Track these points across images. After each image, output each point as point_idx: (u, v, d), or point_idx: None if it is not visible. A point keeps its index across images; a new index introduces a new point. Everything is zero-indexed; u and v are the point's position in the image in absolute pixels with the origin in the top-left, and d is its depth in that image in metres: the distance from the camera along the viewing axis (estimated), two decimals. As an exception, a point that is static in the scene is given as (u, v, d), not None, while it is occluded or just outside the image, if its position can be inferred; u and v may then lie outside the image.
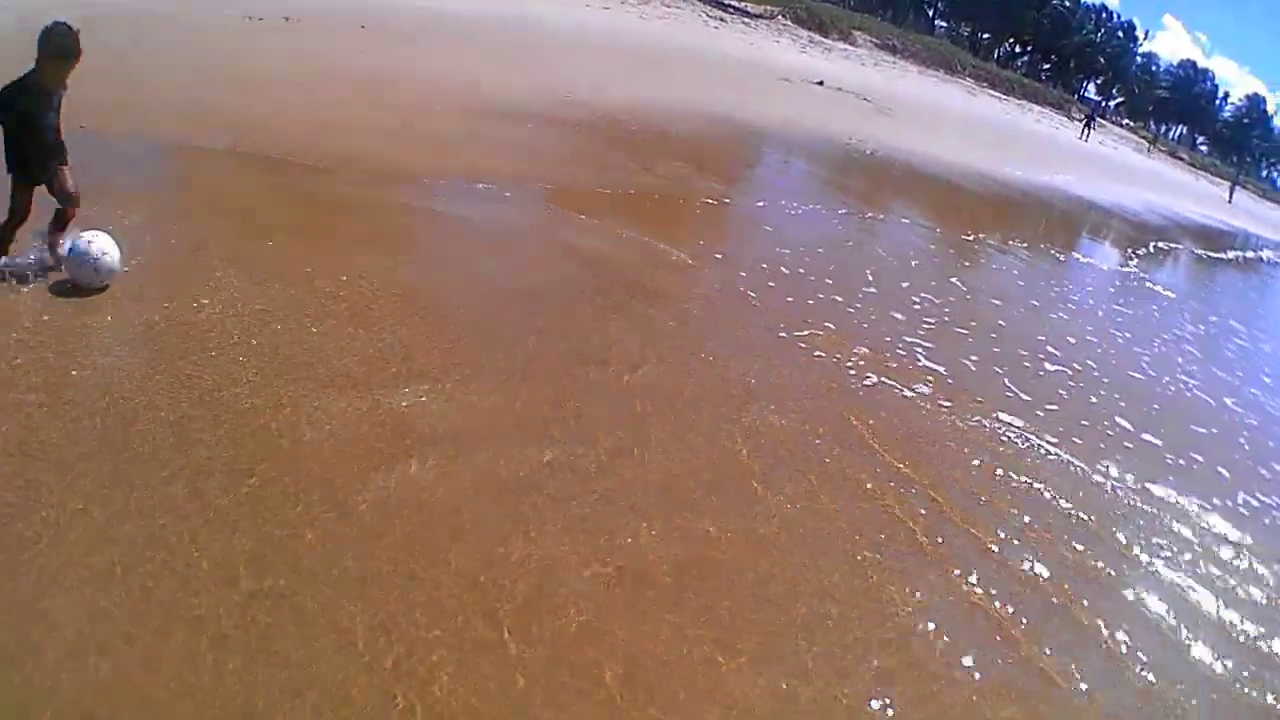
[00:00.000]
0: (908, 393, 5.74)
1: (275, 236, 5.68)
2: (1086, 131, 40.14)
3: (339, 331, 4.58)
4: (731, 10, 32.10)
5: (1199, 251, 23.71)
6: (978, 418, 5.68)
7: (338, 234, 6.00)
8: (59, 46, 4.46)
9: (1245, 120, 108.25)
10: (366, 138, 8.56)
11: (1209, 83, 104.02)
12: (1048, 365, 7.38)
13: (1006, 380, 6.64)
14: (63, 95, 4.70)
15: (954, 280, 9.57)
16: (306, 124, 8.52)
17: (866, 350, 6.28)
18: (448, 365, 4.49)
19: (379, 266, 5.43)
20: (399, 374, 4.29)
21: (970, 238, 12.32)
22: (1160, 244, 20.49)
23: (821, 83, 24.41)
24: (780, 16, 33.93)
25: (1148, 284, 13.83)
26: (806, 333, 6.31)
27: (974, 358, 6.96)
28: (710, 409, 4.71)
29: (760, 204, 10.54)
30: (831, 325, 6.65)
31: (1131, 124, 68.58)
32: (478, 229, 6.88)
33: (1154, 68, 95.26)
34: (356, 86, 10.60)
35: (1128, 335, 9.66)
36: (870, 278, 8.43)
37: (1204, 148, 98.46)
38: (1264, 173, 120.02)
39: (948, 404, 5.75)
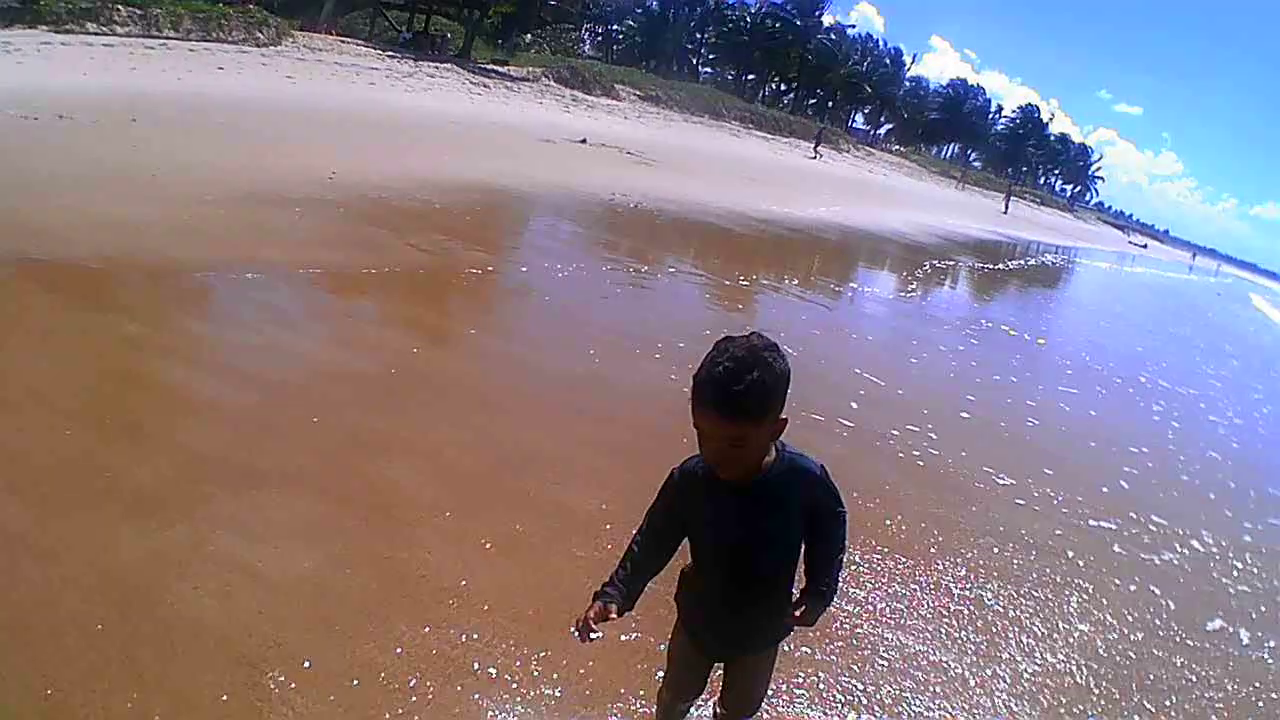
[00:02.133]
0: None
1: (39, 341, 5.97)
2: (817, 151, 43.34)
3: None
4: (494, 75, 33.07)
5: (977, 265, 25.94)
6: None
7: (104, 339, 6.25)
8: (711, 392, 2.43)
9: (1020, 131, 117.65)
10: (138, 234, 8.73)
11: (980, 99, 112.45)
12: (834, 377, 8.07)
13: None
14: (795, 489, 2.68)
15: (715, 326, 10.29)
16: (78, 223, 8.65)
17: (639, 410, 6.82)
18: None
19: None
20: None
21: (745, 282, 13.11)
22: (936, 263, 22.32)
23: (584, 141, 25.44)
24: (544, 78, 35.16)
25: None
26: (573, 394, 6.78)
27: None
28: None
29: (524, 270, 10.98)
30: (603, 382, 7.29)
31: (903, 149, 73.66)
32: (249, 325, 7.09)
33: (923, 90, 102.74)
34: (128, 180, 10.81)
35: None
36: (624, 329, 9.11)
37: (978, 164, 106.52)
38: (1041, 179, 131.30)
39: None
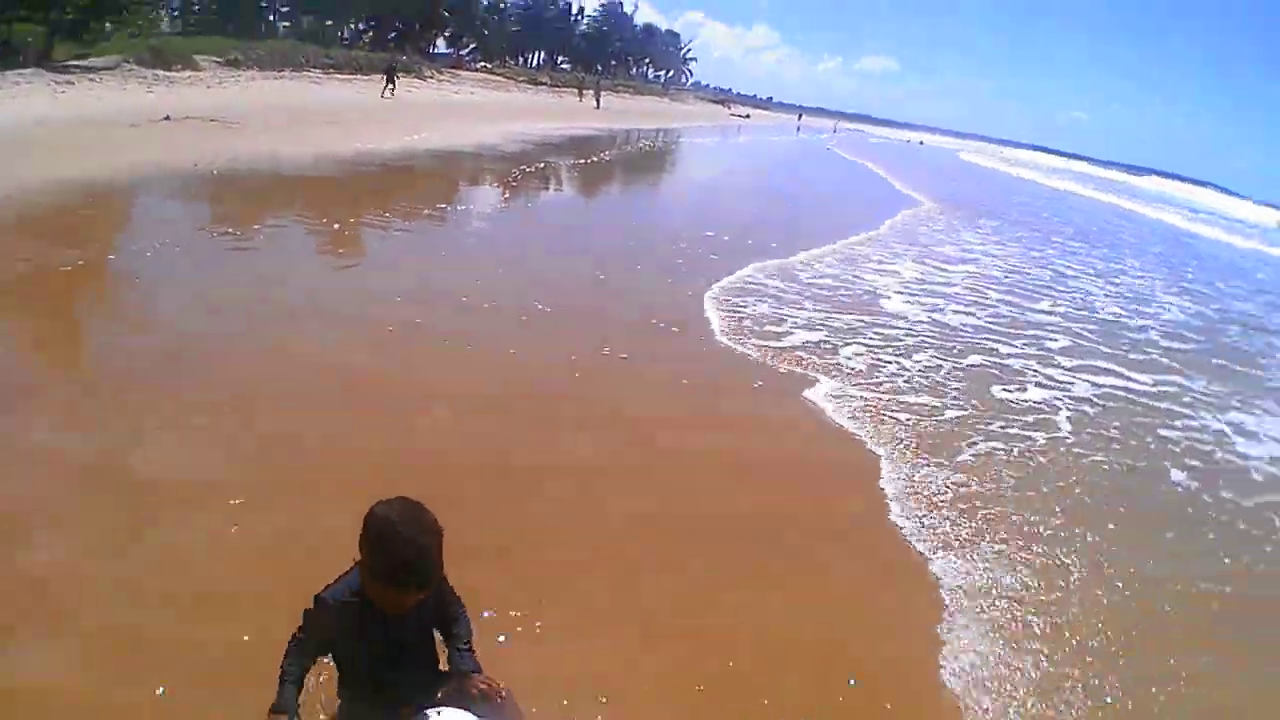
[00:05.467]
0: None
1: None
2: (389, 88, 42.18)
3: None
4: (76, 71, 31.36)
5: (568, 162, 28.32)
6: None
7: None
8: (410, 578, 2.96)
9: (604, 28, 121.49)
10: None
11: (559, 3, 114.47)
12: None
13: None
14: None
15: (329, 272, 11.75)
16: None
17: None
18: None
19: None
20: None
21: (350, 222, 14.23)
22: (526, 168, 24.34)
23: (168, 118, 25.06)
24: (124, 64, 33.69)
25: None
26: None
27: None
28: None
29: (112, 258, 11.06)
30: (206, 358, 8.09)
31: (489, 66, 75.18)
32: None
33: (503, 5, 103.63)
34: None
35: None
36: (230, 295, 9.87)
37: (567, 66, 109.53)
38: (634, 70, 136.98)
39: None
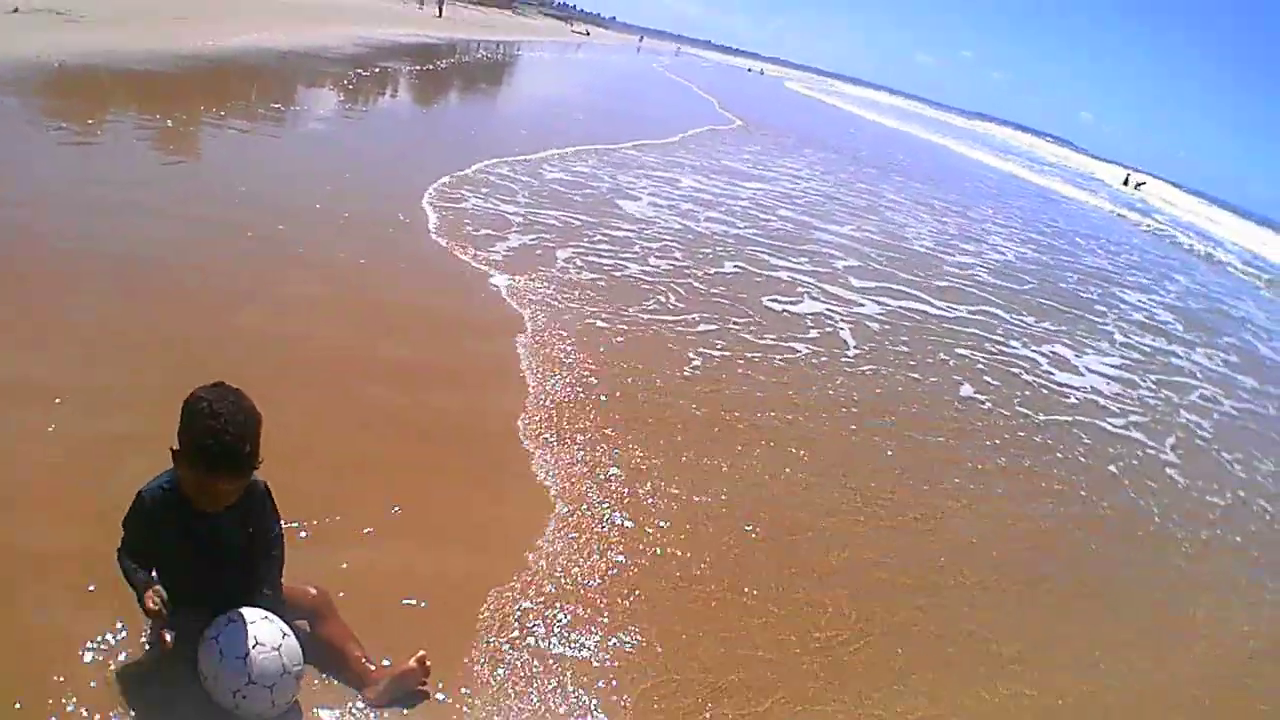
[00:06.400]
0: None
1: None
2: None
3: None
4: None
5: (408, 68, 28.93)
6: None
7: None
8: (223, 462, 2.97)
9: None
10: None
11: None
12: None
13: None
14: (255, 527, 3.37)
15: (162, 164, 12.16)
16: None
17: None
18: None
19: None
20: None
21: (181, 122, 14.23)
22: (363, 72, 25.33)
23: (17, 9, 24.42)
24: None
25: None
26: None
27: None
28: None
29: None
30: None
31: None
32: None
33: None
34: None
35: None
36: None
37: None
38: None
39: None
